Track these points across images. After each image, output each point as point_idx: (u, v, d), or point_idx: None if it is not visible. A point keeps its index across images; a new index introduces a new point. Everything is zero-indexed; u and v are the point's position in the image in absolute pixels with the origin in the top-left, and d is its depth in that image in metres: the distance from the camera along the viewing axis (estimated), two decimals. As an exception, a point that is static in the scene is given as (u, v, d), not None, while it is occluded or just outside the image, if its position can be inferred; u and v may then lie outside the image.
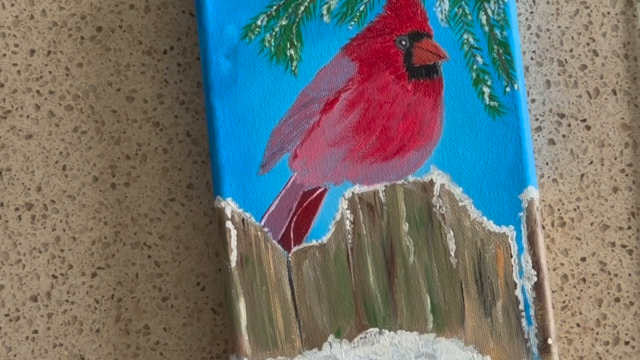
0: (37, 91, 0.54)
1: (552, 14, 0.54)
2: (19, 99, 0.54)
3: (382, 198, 0.50)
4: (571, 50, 0.54)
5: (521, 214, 0.50)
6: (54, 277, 0.53)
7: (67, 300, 0.53)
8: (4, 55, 0.54)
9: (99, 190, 0.54)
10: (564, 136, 0.54)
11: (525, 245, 0.50)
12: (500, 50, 0.50)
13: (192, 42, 0.54)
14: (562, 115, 0.54)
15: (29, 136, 0.54)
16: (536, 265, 0.49)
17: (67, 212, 0.54)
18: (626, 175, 0.54)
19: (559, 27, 0.54)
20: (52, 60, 0.54)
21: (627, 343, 0.53)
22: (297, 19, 0.51)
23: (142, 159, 0.54)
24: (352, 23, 0.51)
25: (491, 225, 0.50)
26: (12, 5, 0.54)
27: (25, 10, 0.54)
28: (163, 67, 0.54)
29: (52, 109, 0.54)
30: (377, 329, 0.50)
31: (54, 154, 0.54)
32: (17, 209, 0.54)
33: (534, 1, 0.54)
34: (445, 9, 0.51)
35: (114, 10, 0.54)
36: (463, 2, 0.51)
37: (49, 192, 0.54)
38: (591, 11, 0.54)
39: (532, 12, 0.54)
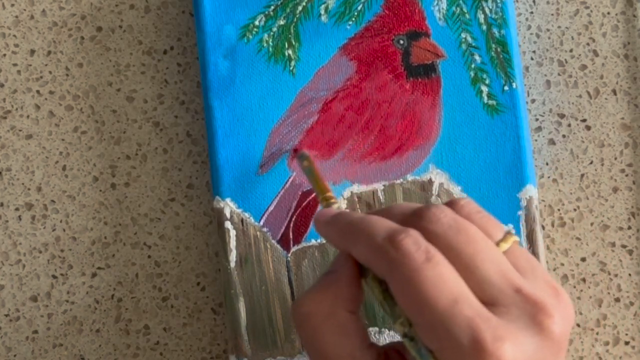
0: (37, 91, 0.54)
1: (552, 14, 0.54)
2: (19, 99, 0.54)
3: (381, 197, 0.50)
4: (571, 50, 0.54)
5: (520, 212, 0.50)
6: (54, 277, 0.53)
7: (67, 300, 0.53)
8: (4, 55, 0.54)
9: (99, 190, 0.54)
10: (564, 136, 0.54)
11: (524, 243, 0.49)
12: (498, 49, 0.50)
13: (192, 42, 0.54)
14: (562, 115, 0.54)
15: (29, 136, 0.54)
16: (535, 265, 0.49)
17: (67, 212, 0.54)
18: (626, 175, 0.54)
19: (559, 27, 0.54)
20: (52, 60, 0.54)
21: (627, 343, 0.53)
22: (295, 19, 0.51)
23: (142, 159, 0.54)
24: (350, 23, 0.51)
25: (490, 224, 0.50)
26: (12, 5, 0.54)
27: (25, 10, 0.54)
28: (163, 67, 0.54)
29: (52, 109, 0.54)
30: (377, 329, 0.50)
31: (54, 154, 0.54)
32: (17, 209, 0.54)
33: (534, 1, 0.54)
34: (443, 8, 0.51)
35: (114, 10, 0.54)
36: (461, 1, 0.51)
37: (49, 192, 0.54)
38: (591, 11, 0.54)
39: (532, 12, 0.54)
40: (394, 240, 0.37)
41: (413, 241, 0.36)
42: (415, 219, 0.38)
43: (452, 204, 0.40)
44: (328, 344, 0.38)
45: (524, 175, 0.50)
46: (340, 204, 0.45)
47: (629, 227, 0.53)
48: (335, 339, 0.38)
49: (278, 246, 0.51)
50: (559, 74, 0.54)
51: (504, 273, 0.37)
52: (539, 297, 0.36)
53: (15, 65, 0.54)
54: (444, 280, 0.35)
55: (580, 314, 0.53)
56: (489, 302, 0.36)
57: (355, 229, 0.39)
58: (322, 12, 0.51)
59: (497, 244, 0.38)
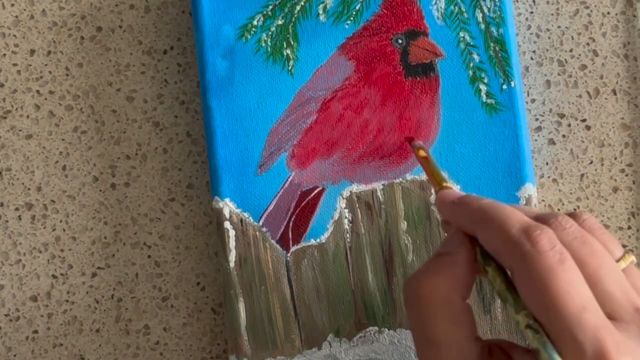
0: (37, 91, 0.54)
1: (552, 14, 0.54)
2: (19, 99, 0.54)
3: (380, 197, 0.50)
4: (571, 50, 0.54)
5: (519, 211, 0.50)
6: (54, 277, 0.54)
7: (67, 300, 0.53)
8: (4, 55, 0.54)
9: (99, 190, 0.54)
10: (564, 136, 0.54)
11: (522, 243, 0.49)
12: (497, 48, 0.50)
13: (192, 42, 0.54)
14: (562, 115, 0.54)
15: (29, 136, 0.54)
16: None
17: (67, 212, 0.54)
18: (626, 175, 0.54)
19: (559, 27, 0.54)
20: (52, 60, 0.54)
21: (627, 343, 0.53)
22: (293, 19, 0.51)
23: (142, 159, 0.54)
24: (348, 22, 0.51)
25: (489, 224, 0.50)
26: (12, 5, 0.54)
27: (25, 10, 0.54)
28: (163, 67, 0.54)
29: (52, 109, 0.54)
30: (376, 328, 0.50)
31: (54, 154, 0.54)
32: (17, 209, 0.54)
33: (534, 1, 0.54)
34: (441, 7, 0.51)
35: (114, 10, 0.54)
36: (459, 0, 0.51)
37: (49, 192, 0.54)
38: (591, 11, 0.54)
39: (532, 12, 0.54)
40: (531, 234, 0.36)
41: (548, 239, 0.36)
42: (541, 224, 0.38)
43: (574, 216, 0.40)
44: (439, 331, 0.38)
45: (523, 174, 0.50)
46: None
47: (629, 227, 0.53)
48: (446, 326, 0.38)
49: (277, 246, 0.51)
50: (559, 74, 0.54)
51: (625, 290, 0.37)
52: None
53: (15, 65, 0.54)
54: (574, 285, 0.35)
55: (581, 314, 0.53)
56: (610, 316, 0.36)
57: (488, 214, 0.38)
58: (321, 11, 0.51)
59: (616, 261, 0.38)
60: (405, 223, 0.50)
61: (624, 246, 0.53)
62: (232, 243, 0.50)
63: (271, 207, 0.51)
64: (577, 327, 0.34)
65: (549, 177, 0.53)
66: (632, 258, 0.39)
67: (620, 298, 0.36)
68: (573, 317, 0.35)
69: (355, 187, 0.51)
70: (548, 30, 0.54)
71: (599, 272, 0.36)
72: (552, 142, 0.54)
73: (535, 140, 0.53)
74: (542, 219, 0.38)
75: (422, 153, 0.47)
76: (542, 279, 0.35)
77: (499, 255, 0.38)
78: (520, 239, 0.36)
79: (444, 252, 0.40)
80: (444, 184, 0.44)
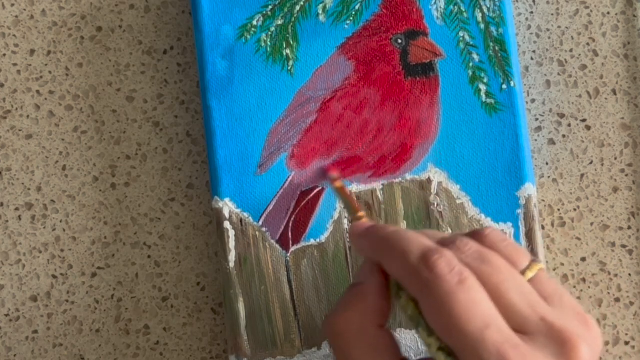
0: (37, 91, 0.54)
1: (552, 14, 0.54)
2: (19, 99, 0.54)
3: (380, 196, 0.50)
4: (571, 50, 0.54)
5: (519, 210, 0.50)
6: (54, 277, 0.54)
7: (67, 300, 0.53)
8: (4, 55, 0.54)
9: (99, 190, 0.54)
10: (564, 136, 0.54)
11: (523, 242, 0.49)
12: (496, 48, 0.50)
13: (192, 42, 0.54)
14: (562, 115, 0.54)
15: (29, 136, 0.54)
16: (534, 264, 0.49)
17: (67, 212, 0.54)
18: (626, 175, 0.53)
19: (559, 27, 0.54)
20: (52, 60, 0.54)
21: (627, 343, 0.53)
22: (293, 19, 0.51)
23: (142, 159, 0.54)
24: (348, 22, 0.51)
25: (489, 223, 0.50)
26: (12, 5, 0.55)
27: (25, 10, 0.54)
28: (163, 67, 0.54)
29: (52, 109, 0.54)
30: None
31: (54, 154, 0.54)
32: (17, 209, 0.54)
33: (534, 1, 0.54)
34: (441, 7, 0.51)
35: (114, 10, 0.54)
36: (459, 0, 0.51)
37: (49, 192, 0.54)
38: (591, 11, 0.54)
39: (532, 12, 0.54)
40: (428, 261, 0.37)
41: (447, 262, 0.36)
42: (441, 247, 0.38)
43: (475, 234, 0.40)
44: None
45: (523, 174, 0.50)
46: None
47: (629, 227, 0.53)
48: (366, 357, 0.38)
49: (277, 246, 0.51)
50: (559, 74, 0.54)
51: (529, 301, 0.37)
52: (564, 327, 0.36)
53: (15, 65, 0.54)
54: (475, 304, 0.36)
55: (581, 314, 0.53)
56: (516, 329, 0.36)
57: (390, 244, 0.39)
58: (320, 11, 0.51)
59: (523, 272, 0.38)
60: (405, 223, 0.50)
61: (623, 246, 0.53)
62: (232, 243, 0.50)
63: (271, 207, 0.51)
64: (480, 345, 0.35)
65: (549, 177, 0.53)
66: (539, 266, 0.39)
67: (525, 310, 0.36)
68: (476, 335, 0.35)
69: (355, 187, 0.51)
70: (548, 30, 0.54)
71: (501, 287, 0.37)
72: (552, 142, 0.54)
73: (535, 140, 0.53)
74: (443, 243, 0.39)
75: (338, 184, 0.49)
76: (442, 303, 0.35)
77: (403, 284, 0.38)
78: (419, 266, 0.37)
79: (356, 282, 0.40)
80: (358, 215, 0.45)
